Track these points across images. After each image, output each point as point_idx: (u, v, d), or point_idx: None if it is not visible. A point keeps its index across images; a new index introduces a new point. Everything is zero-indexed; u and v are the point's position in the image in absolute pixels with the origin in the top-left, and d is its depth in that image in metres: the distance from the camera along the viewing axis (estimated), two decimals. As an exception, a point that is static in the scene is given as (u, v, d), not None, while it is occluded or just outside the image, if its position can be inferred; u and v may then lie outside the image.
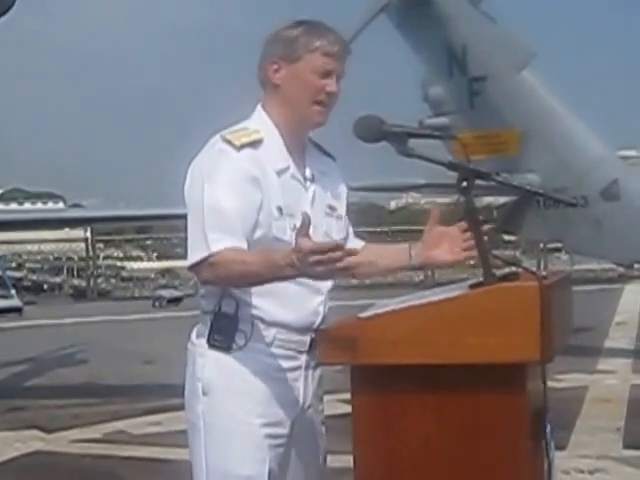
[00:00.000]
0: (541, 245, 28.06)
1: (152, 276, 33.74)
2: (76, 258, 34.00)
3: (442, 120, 14.10)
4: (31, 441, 8.44)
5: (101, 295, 27.97)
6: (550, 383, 2.96)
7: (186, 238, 3.12)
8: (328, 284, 3.21)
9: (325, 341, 2.90)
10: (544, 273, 3.10)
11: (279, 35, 3.20)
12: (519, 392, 2.79)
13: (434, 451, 2.82)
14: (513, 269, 3.00)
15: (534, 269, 3.05)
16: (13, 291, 20.04)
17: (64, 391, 11.11)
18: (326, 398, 3.34)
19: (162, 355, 12.41)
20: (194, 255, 3.05)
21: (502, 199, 14.69)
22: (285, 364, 3.15)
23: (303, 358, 3.17)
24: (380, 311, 2.92)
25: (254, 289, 3.06)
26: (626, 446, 7.63)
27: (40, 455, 8.00)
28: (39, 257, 37.86)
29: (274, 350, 3.13)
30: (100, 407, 9.93)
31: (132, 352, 13.97)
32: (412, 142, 3.07)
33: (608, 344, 13.92)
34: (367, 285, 24.36)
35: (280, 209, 3.10)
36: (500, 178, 3.16)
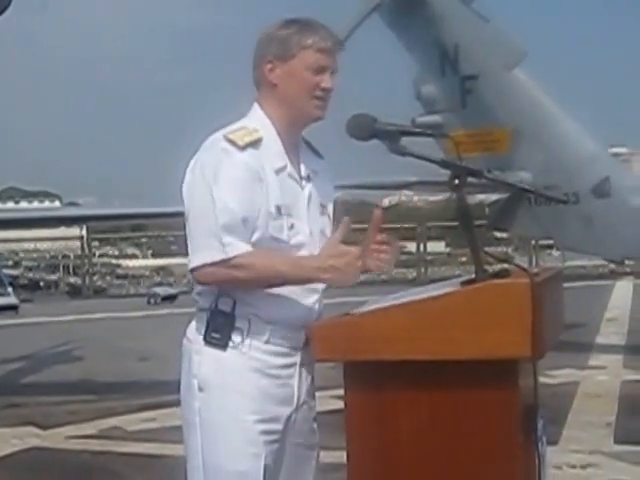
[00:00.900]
0: (533, 242, 27.99)
1: (147, 274, 33.57)
2: (72, 256, 33.80)
3: (434, 118, 14.07)
4: (27, 437, 8.42)
5: (97, 293, 27.83)
6: (542, 379, 2.98)
7: (186, 237, 3.12)
8: (323, 282, 3.23)
9: (319, 338, 2.92)
10: (535, 270, 3.12)
11: (272, 35, 3.21)
12: (511, 388, 2.81)
13: (427, 447, 2.84)
14: (505, 266, 3.01)
15: (525, 266, 3.07)
16: (10, 289, 19.96)
17: (60, 388, 11.07)
18: (318, 394, 3.35)
19: (157, 352, 12.40)
20: (203, 257, 3.04)
21: (494, 196, 14.66)
22: (280, 361, 3.16)
23: (298, 355, 3.19)
24: (373, 308, 2.94)
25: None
26: (617, 441, 7.65)
27: (36, 451, 7.98)
28: (35, 255, 37.62)
29: (270, 347, 3.14)
30: (96, 404, 9.90)
31: (127, 349, 13.93)
32: (405, 140, 3.08)
33: (599, 340, 13.89)
34: (360, 282, 24.14)
35: (279, 208, 3.11)
36: (492, 176, 3.20)
